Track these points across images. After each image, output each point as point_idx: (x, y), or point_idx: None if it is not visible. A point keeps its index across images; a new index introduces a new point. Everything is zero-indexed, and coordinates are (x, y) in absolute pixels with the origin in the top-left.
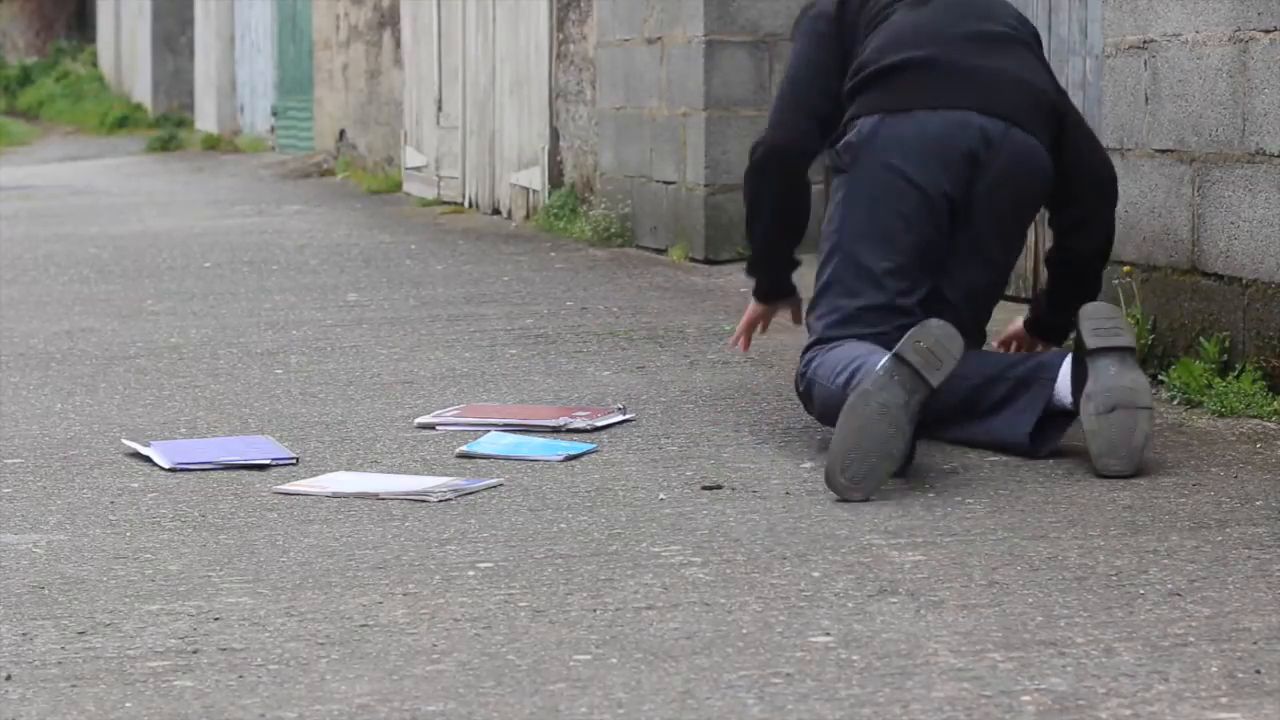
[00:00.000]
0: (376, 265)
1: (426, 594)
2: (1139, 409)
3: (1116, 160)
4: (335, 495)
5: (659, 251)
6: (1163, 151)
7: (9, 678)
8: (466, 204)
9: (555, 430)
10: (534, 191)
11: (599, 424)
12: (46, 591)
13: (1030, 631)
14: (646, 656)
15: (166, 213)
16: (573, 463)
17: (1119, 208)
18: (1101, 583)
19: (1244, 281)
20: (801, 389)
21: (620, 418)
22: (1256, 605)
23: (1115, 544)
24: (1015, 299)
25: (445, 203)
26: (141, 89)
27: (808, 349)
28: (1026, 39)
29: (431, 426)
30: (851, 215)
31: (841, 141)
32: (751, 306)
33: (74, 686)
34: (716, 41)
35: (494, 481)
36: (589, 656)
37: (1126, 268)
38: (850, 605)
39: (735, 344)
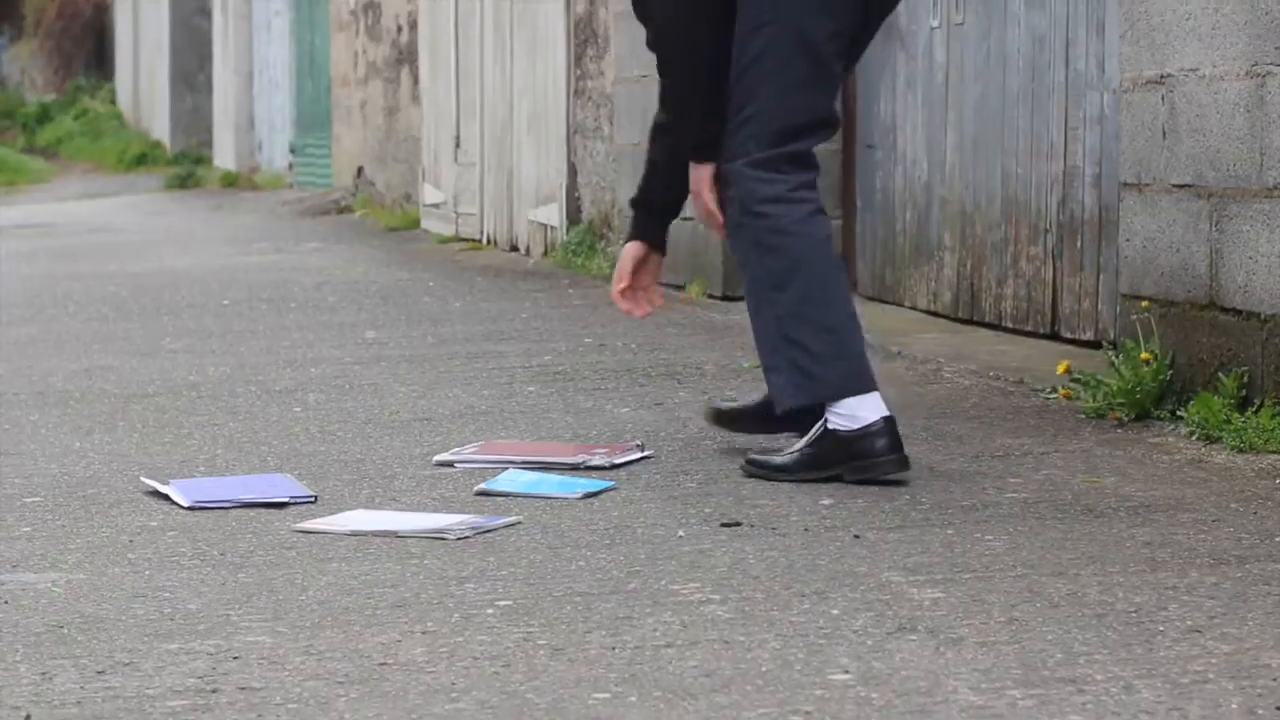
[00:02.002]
0: (395, 302)
1: (445, 632)
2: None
3: (1134, 195)
4: (354, 533)
5: (676, 288)
6: (1180, 186)
7: (28, 717)
8: (484, 241)
9: (574, 468)
10: (552, 228)
11: (618, 461)
12: (65, 630)
13: (1050, 669)
14: (666, 695)
15: (185, 250)
16: (591, 500)
17: (1137, 243)
18: (1121, 619)
19: (1262, 316)
20: (739, 221)
21: (639, 455)
22: (1277, 641)
23: (1134, 580)
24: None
25: (463, 239)
26: (160, 126)
27: (761, 175)
28: None
29: (450, 464)
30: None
31: None
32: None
33: None
34: None
35: (512, 519)
36: (608, 695)
37: (1145, 303)
38: (869, 643)
39: (626, 303)
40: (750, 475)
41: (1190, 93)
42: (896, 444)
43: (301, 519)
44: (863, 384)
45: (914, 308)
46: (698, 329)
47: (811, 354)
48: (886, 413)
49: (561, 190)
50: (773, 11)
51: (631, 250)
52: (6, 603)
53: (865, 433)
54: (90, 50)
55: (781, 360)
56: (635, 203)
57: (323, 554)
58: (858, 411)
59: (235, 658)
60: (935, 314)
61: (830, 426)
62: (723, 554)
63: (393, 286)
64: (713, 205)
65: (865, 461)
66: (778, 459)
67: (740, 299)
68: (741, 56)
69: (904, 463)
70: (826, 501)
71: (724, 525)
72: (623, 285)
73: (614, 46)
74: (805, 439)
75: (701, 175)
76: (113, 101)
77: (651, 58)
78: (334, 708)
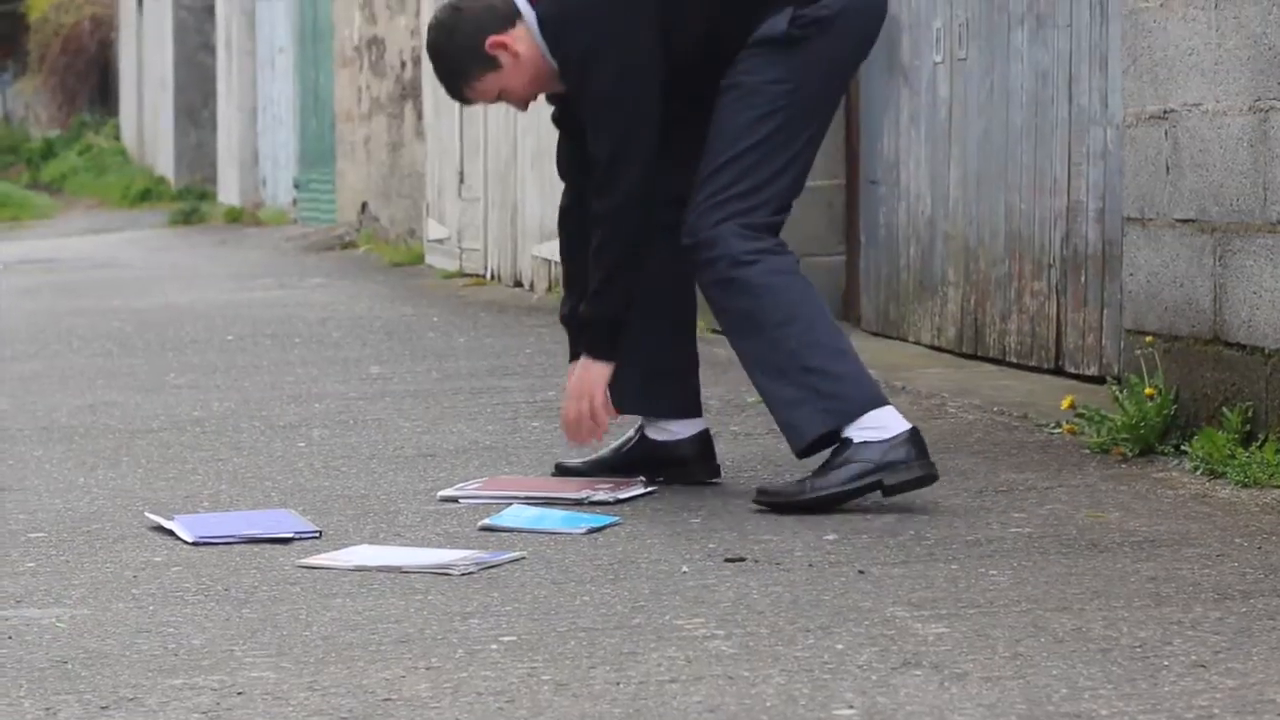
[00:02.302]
0: (399, 338)
1: (449, 668)
2: None
3: (1137, 230)
4: (358, 568)
5: None
6: (1184, 221)
7: None
8: (488, 276)
9: (578, 503)
10: (556, 264)
11: (622, 497)
12: (69, 666)
13: (1054, 704)
14: None
15: (189, 286)
16: (595, 535)
17: (1141, 277)
18: (1126, 654)
19: (1266, 351)
20: (730, 275)
21: (643, 490)
22: None
23: (1139, 615)
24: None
25: (467, 275)
26: (164, 162)
27: (743, 231)
28: None
29: (455, 500)
30: (813, 93)
31: (809, 14)
32: (601, 370)
33: None
34: None
35: (516, 554)
36: None
37: (1149, 338)
38: (874, 678)
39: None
40: (776, 509)
41: (1193, 128)
42: (926, 451)
43: (306, 554)
44: (881, 397)
45: (918, 343)
46: (702, 364)
47: (833, 376)
48: (909, 424)
49: None
50: (789, 98)
51: (604, 374)
52: (11, 638)
53: (897, 441)
54: (94, 86)
55: (803, 391)
56: (607, 321)
57: (327, 589)
58: (886, 422)
59: (239, 693)
60: (939, 349)
61: (859, 440)
62: (727, 589)
63: (397, 322)
64: (603, 409)
65: (902, 467)
66: (806, 492)
67: None
68: (744, 135)
69: (935, 470)
70: (831, 536)
71: (728, 560)
72: (600, 419)
73: None
74: (824, 464)
75: (602, 375)
76: (117, 137)
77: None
78: None
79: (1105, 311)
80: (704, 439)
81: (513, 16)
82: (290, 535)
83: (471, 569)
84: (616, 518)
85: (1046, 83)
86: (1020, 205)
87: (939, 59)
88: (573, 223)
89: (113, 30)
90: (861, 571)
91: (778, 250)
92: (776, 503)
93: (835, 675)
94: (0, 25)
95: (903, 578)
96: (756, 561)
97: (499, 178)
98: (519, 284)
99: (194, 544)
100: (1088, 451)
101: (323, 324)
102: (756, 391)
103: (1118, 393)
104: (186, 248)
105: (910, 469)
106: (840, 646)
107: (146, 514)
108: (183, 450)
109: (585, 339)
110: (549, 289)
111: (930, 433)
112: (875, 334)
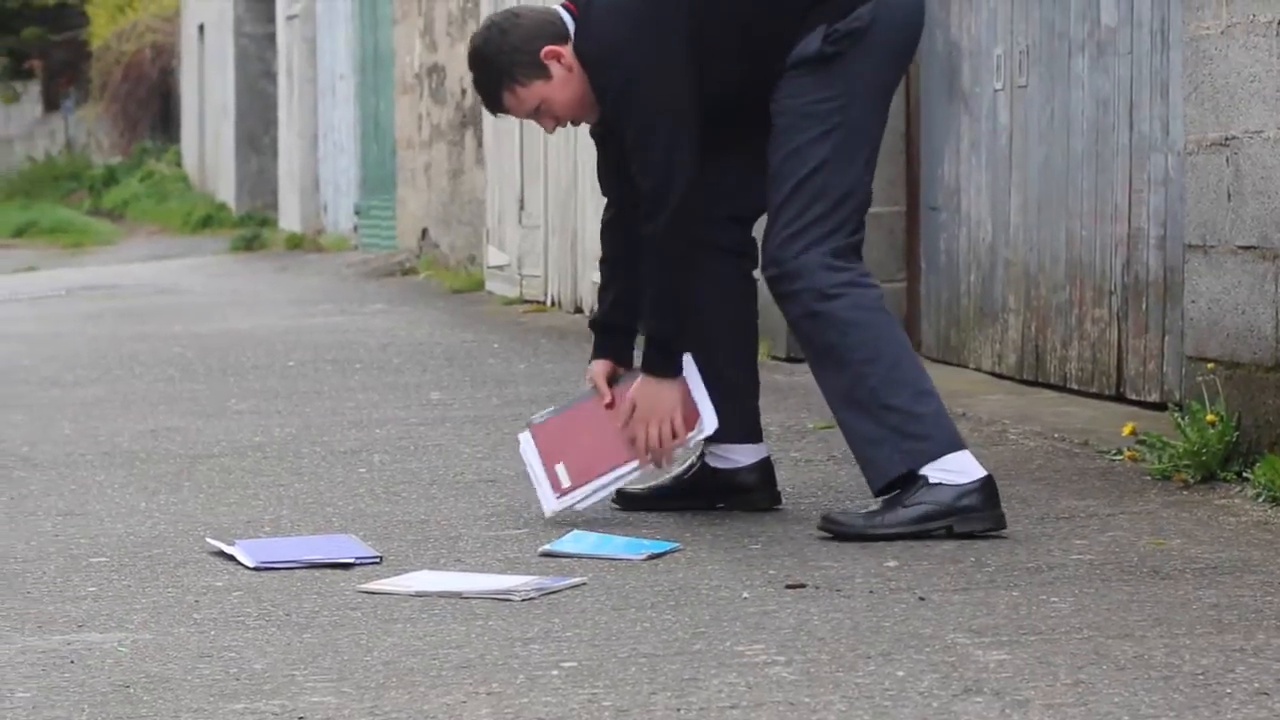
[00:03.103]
0: (459, 364)
1: (510, 693)
2: None
3: (1199, 256)
4: (419, 594)
5: None
6: (1245, 248)
7: None
8: (549, 302)
9: (634, 471)
10: None
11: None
12: (131, 690)
13: None
14: None
15: (250, 312)
16: (656, 561)
17: (1202, 304)
18: (1188, 682)
19: None
20: (816, 309)
21: (701, 433)
22: None
23: (1201, 642)
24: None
25: (528, 301)
26: (225, 189)
27: (833, 252)
28: None
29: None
30: (862, 107)
31: (841, 28)
32: (669, 390)
33: None
34: None
35: (577, 580)
36: None
37: (1210, 364)
38: (935, 705)
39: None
40: (840, 537)
41: (1255, 154)
42: (997, 500)
43: (366, 580)
44: (960, 440)
45: (978, 369)
46: (764, 390)
47: (915, 416)
48: (985, 471)
49: None
50: (842, 114)
51: (673, 393)
52: (73, 662)
53: (972, 488)
54: (156, 113)
55: (883, 430)
56: (667, 336)
57: (388, 615)
58: (965, 466)
59: (300, 718)
60: (1000, 376)
61: (934, 481)
62: (787, 615)
63: (457, 348)
64: (683, 426)
65: (973, 515)
66: (874, 527)
67: (804, 360)
68: (805, 159)
69: (1004, 521)
70: (891, 564)
71: (789, 587)
72: (680, 436)
73: None
74: (894, 497)
75: (671, 394)
76: (178, 164)
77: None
78: None
79: (1166, 338)
80: (765, 466)
81: (566, 36)
82: (351, 560)
83: (532, 594)
84: (677, 544)
85: (1107, 110)
86: (1081, 232)
87: (999, 86)
88: (612, 234)
89: (174, 58)
90: (922, 598)
91: (863, 283)
92: (843, 533)
93: (896, 702)
94: (63, 53)
95: (964, 604)
96: (817, 588)
97: (559, 204)
98: (579, 310)
99: (255, 569)
100: (1149, 478)
101: (383, 350)
102: (838, 425)
103: (1179, 419)
104: (247, 274)
105: (981, 518)
106: (901, 673)
107: (208, 539)
108: (244, 475)
109: (645, 359)
110: None
111: (991, 459)
112: (935, 360)
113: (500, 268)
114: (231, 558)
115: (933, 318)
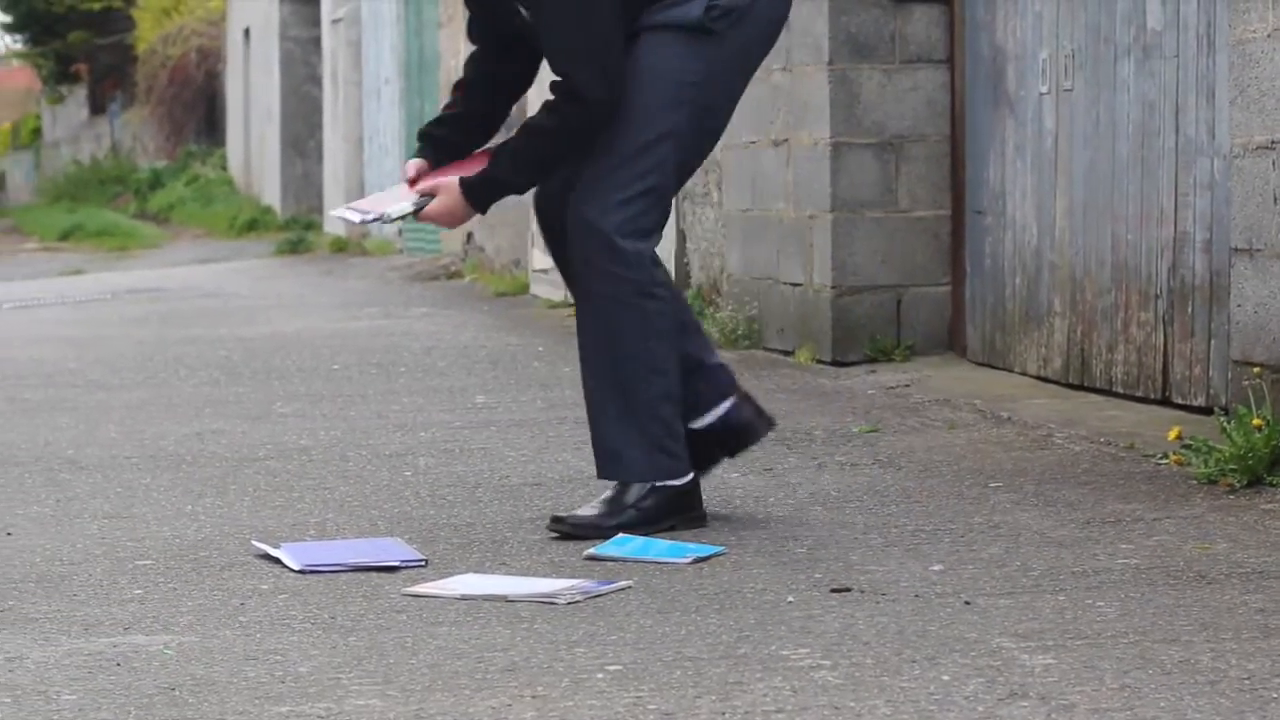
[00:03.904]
0: (504, 367)
1: (555, 696)
2: None
3: (1245, 260)
4: (464, 597)
5: (786, 353)
6: None
7: None
8: None
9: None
10: None
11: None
12: (177, 693)
13: None
14: None
15: (295, 315)
16: (700, 565)
17: (1248, 308)
18: (1234, 687)
19: None
20: (651, 309)
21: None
22: None
23: (1248, 647)
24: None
25: (571, 305)
26: (270, 192)
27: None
28: None
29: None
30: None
31: (719, 4)
32: (471, 216)
33: None
34: (843, 144)
35: (622, 583)
36: None
37: (1256, 369)
38: (980, 709)
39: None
40: (565, 536)
41: None
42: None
43: (412, 583)
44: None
45: (1024, 373)
46: (808, 394)
47: (674, 434)
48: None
49: (671, 256)
50: (695, 89)
51: (470, 216)
52: (119, 665)
53: (690, 488)
54: (201, 117)
55: (645, 440)
56: (512, 188)
57: (433, 618)
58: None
59: None
60: (1045, 379)
61: (660, 484)
62: (832, 619)
63: (502, 351)
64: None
65: (693, 514)
66: (606, 519)
67: (852, 364)
68: (648, 126)
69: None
70: (937, 567)
71: (834, 591)
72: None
73: None
74: (620, 493)
75: (469, 217)
76: (224, 167)
77: (759, 123)
78: None
79: (1213, 342)
80: (746, 399)
81: None
82: (396, 564)
83: (577, 598)
84: (722, 548)
85: (1153, 113)
86: (1127, 236)
87: (1045, 90)
88: (476, 65)
89: (219, 62)
90: (968, 602)
91: (670, 285)
92: (567, 530)
93: (941, 706)
94: (108, 57)
95: (1009, 609)
96: (862, 592)
97: None
98: None
99: (300, 572)
100: (1195, 482)
101: (428, 353)
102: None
103: (1225, 423)
104: (292, 277)
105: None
106: (946, 677)
107: (253, 542)
108: (289, 478)
109: (468, 184)
110: None
111: (1037, 463)
112: (981, 364)
113: (545, 271)
114: (277, 561)
115: (978, 321)
